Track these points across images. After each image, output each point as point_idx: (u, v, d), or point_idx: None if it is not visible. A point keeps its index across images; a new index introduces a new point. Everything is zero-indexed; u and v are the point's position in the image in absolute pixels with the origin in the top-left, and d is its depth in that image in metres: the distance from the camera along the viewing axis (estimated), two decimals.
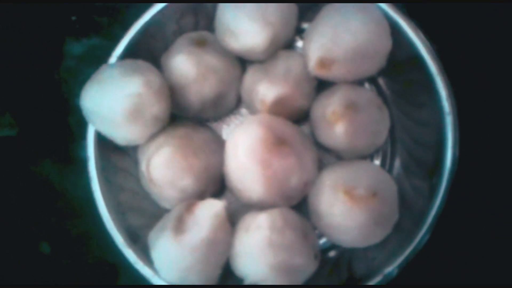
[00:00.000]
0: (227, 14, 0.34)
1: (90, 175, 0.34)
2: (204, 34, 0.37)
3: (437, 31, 0.34)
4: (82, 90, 0.32)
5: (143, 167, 0.34)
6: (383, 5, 0.34)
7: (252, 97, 0.36)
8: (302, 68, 0.35)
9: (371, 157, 0.38)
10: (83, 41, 0.44)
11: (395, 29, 0.34)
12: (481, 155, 0.38)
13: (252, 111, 0.37)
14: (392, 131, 0.37)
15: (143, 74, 0.32)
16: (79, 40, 0.44)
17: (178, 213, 0.32)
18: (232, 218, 0.33)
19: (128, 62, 0.33)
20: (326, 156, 0.37)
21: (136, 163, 0.36)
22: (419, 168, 0.35)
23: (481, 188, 0.38)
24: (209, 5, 0.37)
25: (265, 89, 0.34)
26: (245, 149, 0.32)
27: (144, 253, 0.33)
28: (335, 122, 0.33)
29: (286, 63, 0.35)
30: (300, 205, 0.35)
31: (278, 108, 0.34)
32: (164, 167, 0.33)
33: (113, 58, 0.35)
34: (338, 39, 0.32)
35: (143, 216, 0.36)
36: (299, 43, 0.39)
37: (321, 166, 0.35)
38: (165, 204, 0.35)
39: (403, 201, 0.34)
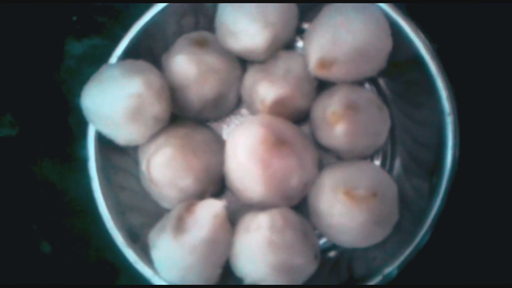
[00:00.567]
0: (227, 15, 0.34)
1: (91, 175, 0.34)
2: (205, 34, 0.37)
3: (437, 32, 0.34)
4: (82, 90, 0.32)
5: (143, 167, 0.34)
6: (384, 6, 0.34)
7: (252, 97, 0.36)
8: (302, 68, 0.35)
9: (371, 157, 0.38)
10: (83, 41, 0.44)
11: (395, 29, 0.34)
12: (481, 156, 0.38)
13: (252, 111, 0.37)
14: (392, 131, 0.37)
15: (144, 74, 0.32)
16: (80, 40, 0.44)
17: (178, 213, 0.32)
18: (232, 218, 0.33)
19: (129, 62, 0.33)
20: (326, 156, 0.37)
21: (136, 163, 0.36)
22: (419, 168, 0.35)
23: (481, 188, 0.38)
24: (209, 5, 0.37)
25: (265, 90, 0.34)
26: (245, 149, 0.32)
27: (144, 252, 0.33)
28: (335, 122, 0.33)
29: (286, 64, 0.35)
30: (300, 206, 0.35)
31: (278, 109, 0.34)
32: (165, 167, 0.33)
33: (113, 58, 0.35)
34: (338, 40, 0.32)
35: (143, 215, 0.36)
36: (300, 44, 0.39)
37: (321, 167, 0.35)
38: (165, 204, 0.35)
39: (403, 201, 0.34)
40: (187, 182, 0.33)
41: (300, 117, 0.37)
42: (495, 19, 0.40)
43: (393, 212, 0.33)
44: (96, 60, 0.35)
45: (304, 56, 0.35)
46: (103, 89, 0.31)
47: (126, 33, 0.36)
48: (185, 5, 0.36)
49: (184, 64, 0.34)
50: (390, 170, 0.38)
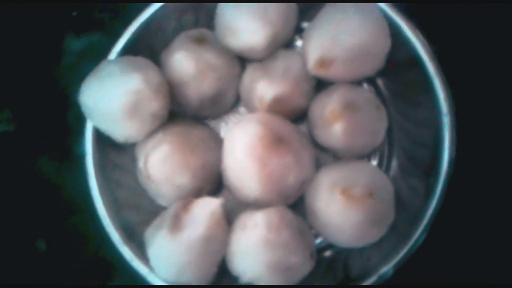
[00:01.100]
0: (227, 13, 0.34)
1: (88, 171, 0.34)
2: (204, 31, 0.37)
3: (435, 32, 0.34)
4: (81, 86, 0.32)
5: (141, 164, 0.34)
6: (383, 6, 0.34)
7: (251, 95, 0.36)
8: (301, 67, 0.35)
9: (368, 157, 0.38)
10: (82, 37, 0.44)
11: (394, 29, 0.34)
12: (478, 156, 0.38)
13: (251, 109, 0.37)
14: (389, 131, 0.37)
15: (143, 71, 0.32)
16: (79, 36, 0.44)
17: (174, 211, 0.32)
18: (229, 216, 0.33)
19: (128, 58, 0.33)
20: (323, 155, 0.37)
21: (133, 159, 0.36)
22: (416, 169, 0.35)
23: (477, 189, 0.38)
24: (209, 3, 0.37)
25: (264, 88, 0.34)
26: (243, 147, 0.32)
27: (140, 250, 0.33)
28: (333, 121, 0.33)
29: (285, 62, 0.35)
30: (296, 204, 0.35)
31: (277, 107, 0.34)
32: (162, 164, 0.33)
33: (113, 55, 0.35)
34: (337, 39, 0.32)
35: (140, 213, 0.36)
36: (299, 42, 0.39)
37: (318, 165, 0.35)
38: (162, 201, 0.35)
39: (400, 201, 0.34)
40: (184, 179, 0.33)
41: (298, 116, 0.37)
42: (494, 20, 0.40)
43: (390, 212, 0.33)
44: (95, 56, 0.35)
45: (303, 55, 0.35)
46: (102, 85, 0.31)
47: (126, 30, 0.36)
48: (185, 2, 0.36)
49: (183, 61, 0.34)
50: (386, 170, 0.38)
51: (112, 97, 0.31)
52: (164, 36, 0.37)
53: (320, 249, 0.37)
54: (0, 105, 0.43)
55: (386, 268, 0.32)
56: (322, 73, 0.34)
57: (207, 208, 0.31)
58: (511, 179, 0.38)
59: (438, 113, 0.32)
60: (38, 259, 0.41)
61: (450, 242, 0.38)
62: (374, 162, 0.38)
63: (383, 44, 0.33)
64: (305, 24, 0.38)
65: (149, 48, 0.37)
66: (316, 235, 0.37)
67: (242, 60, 0.38)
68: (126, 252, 0.33)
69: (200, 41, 0.36)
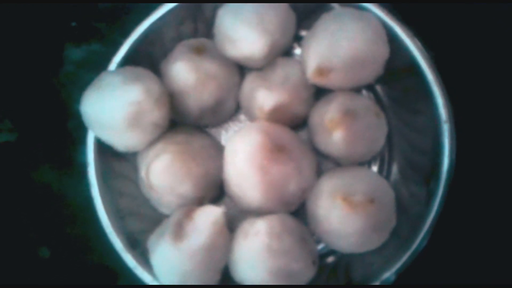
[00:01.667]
0: (226, 22, 0.34)
1: (90, 181, 0.35)
2: (203, 41, 0.37)
3: (434, 39, 0.35)
4: (82, 96, 0.33)
5: (142, 173, 0.34)
6: (380, 13, 0.34)
7: (251, 104, 0.36)
8: (300, 75, 0.35)
9: (368, 163, 0.38)
10: (82, 46, 0.44)
11: (392, 37, 0.34)
12: (478, 162, 0.38)
13: (251, 117, 0.37)
14: (389, 137, 0.37)
15: (143, 81, 0.32)
16: (79, 45, 0.44)
17: (177, 219, 0.32)
18: (231, 224, 0.33)
19: (128, 69, 0.33)
20: (324, 162, 0.37)
21: (135, 168, 0.36)
22: (416, 175, 0.35)
23: (477, 194, 0.38)
24: (208, 11, 0.37)
25: (264, 96, 0.34)
26: (244, 156, 0.32)
27: (144, 258, 0.33)
28: (333, 129, 0.33)
29: (284, 71, 0.35)
30: (298, 211, 0.35)
31: (277, 115, 0.35)
32: (164, 173, 0.33)
33: (112, 65, 0.35)
34: (336, 47, 0.33)
35: (143, 221, 0.36)
36: (297, 51, 0.40)
37: (319, 173, 0.35)
38: (164, 209, 0.35)
39: (401, 207, 0.34)
40: (186, 188, 0.33)
41: (298, 124, 0.37)
42: (492, 27, 0.40)
43: (391, 217, 0.33)
44: (95, 65, 0.36)
45: (302, 63, 0.35)
46: (103, 96, 0.31)
47: (125, 39, 0.36)
48: (184, 11, 0.36)
49: (183, 71, 0.35)
50: (387, 176, 0.38)
51: (113, 108, 0.31)
52: (163, 45, 0.37)
53: (322, 255, 0.37)
54: (1, 115, 0.43)
55: (388, 274, 0.32)
56: (321, 81, 0.34)
57: (209, 216, 0.32)
58: (511, 184, 0.39)
59: (438, 120, 0.33)
60: (41, 267, 0.41)
61: (452, 247, 0.38)
62: (375, 168, 0.38)
63: (382, 51, 0.34)
64: (303, 33, 0.38)
65: (148, 58, 0.37)
66: (318, 241, 0.37)
67: (241, 69, 0.38)
68: (129, 260, 0.33)
69: (199, 50, 0.36)
